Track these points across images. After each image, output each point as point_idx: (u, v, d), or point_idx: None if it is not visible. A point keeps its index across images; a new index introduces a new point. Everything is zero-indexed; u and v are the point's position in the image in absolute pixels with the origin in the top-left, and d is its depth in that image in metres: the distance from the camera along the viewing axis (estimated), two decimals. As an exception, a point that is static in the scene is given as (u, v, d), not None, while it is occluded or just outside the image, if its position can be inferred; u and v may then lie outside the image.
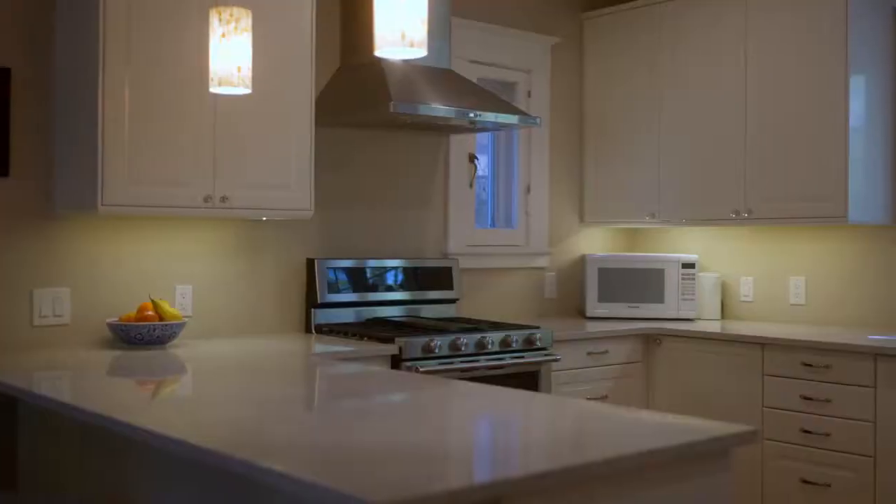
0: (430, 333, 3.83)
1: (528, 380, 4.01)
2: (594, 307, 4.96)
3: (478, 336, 3.90)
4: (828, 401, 3.98)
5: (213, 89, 3.00)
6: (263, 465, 1.76)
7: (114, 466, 2.70)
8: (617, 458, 1.81)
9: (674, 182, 4.88)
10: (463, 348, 3.82)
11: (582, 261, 5.21)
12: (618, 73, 5.15)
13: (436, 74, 4.21)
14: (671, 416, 2.29)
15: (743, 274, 4.98)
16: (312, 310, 4.13)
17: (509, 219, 5.10)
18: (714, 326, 4.64)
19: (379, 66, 4.05)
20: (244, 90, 3.00)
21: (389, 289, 4.36)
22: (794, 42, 4.40)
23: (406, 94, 3.92)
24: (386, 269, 4.38)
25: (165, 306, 3.54)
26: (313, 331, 4.12)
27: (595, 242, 5.39)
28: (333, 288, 4.17)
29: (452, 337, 3.82)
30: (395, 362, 3.66)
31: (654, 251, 5.37)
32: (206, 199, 3.49)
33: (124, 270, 3.69)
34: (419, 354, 3.70)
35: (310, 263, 4.16)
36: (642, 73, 5.03)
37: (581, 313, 5.16)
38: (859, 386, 3.89)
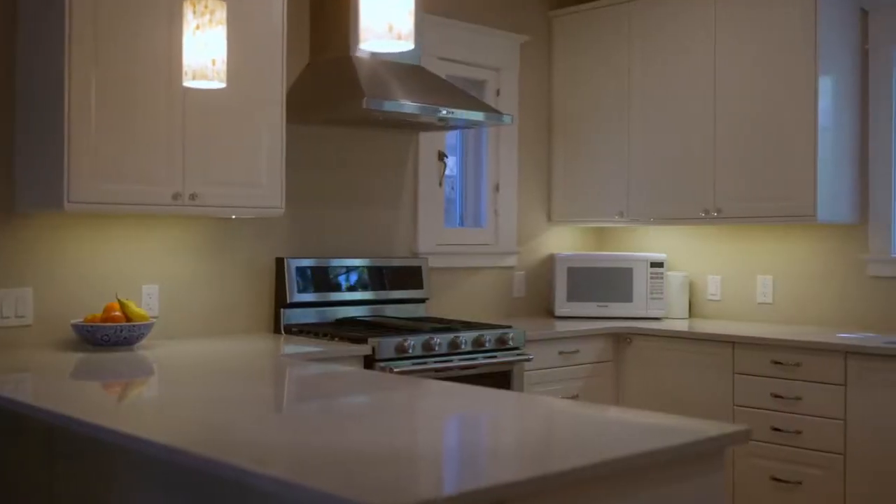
0: (403, 333, 3.78)
1: (500, 379, 3.98)
2: (562, 306, 4.95)
3: (451, 336, 3.85)
4: (798, 399, 4.00)
5: (187, 83, 2.91)
6: (251, 468, 1.70)
7: (83, 469, 2.61)
8: (618, 459, 1.79)
9: (642, 181, 4.88)
10: (436, 348, 3.77)
11: (550, 260, 5.19)
12: (586, 72, 5.14)
13: (406, 71, 4.15)
14: (661, 416, 2.27)
15: (710, 273, 5.00)
16: (282, 309, 4.06)
17: (478, 218, 5.06)
18: (683, 325, 4.65)
19: (349, 62, 3.99)
20: (219, 84, 2.92)
21: (360, 288, 4.30)
22: (763, 42, 4.42)
23: (378, 90, 3.86)
24: (356, 269, 4.31)
25: (132, 306, 3.44)
26: (282, 331, 4.05)
27: (563, 241, 5.37)
28: (303, 287, 4.09)
29: (426, 337, 3.77)
30: (368, 363, 3.60)
31: (623, 250, 5.37)
32: (174, 197, 3.40)
33: (89, 270, 3.58)
34: (392, 355, 3.65)
35: (279, 262, 4.09)
36: (610, 71, 5.02)
37: (549, 312, 5.14)
38: (829, 384, 3.91)
